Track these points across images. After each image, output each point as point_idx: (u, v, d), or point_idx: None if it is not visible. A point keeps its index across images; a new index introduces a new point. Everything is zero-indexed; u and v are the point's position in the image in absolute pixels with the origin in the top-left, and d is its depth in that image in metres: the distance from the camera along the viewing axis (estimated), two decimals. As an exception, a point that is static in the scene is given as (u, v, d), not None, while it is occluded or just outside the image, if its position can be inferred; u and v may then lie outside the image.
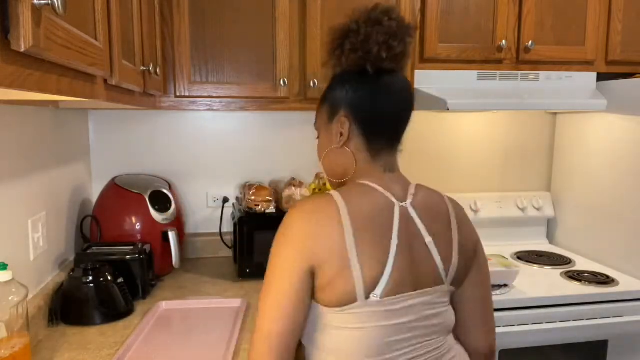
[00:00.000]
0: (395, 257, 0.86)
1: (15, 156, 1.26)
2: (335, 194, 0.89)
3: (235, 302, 1.53)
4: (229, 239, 2.02)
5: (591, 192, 2.01)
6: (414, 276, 0.88)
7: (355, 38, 0.91)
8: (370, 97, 0.94)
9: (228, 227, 2.05)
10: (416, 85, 1.80)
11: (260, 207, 1.76)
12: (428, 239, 0.90)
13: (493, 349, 1.01)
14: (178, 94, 1.65)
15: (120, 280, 1.46)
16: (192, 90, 1.66)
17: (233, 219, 1.89)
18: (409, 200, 0.92)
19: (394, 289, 0.85)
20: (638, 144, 1.77)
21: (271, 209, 1.77)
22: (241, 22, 1.66)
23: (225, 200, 2.04)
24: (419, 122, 2.18)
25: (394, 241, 0.86)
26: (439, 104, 1.69)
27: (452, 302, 0.98)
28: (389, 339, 0.86)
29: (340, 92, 0.96)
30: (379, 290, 0.84)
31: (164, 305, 1.50)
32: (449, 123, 2.21)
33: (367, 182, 0.93)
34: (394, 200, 0.91)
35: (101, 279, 1.41)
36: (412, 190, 0.95)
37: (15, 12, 0.51)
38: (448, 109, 1.66)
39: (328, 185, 1.98)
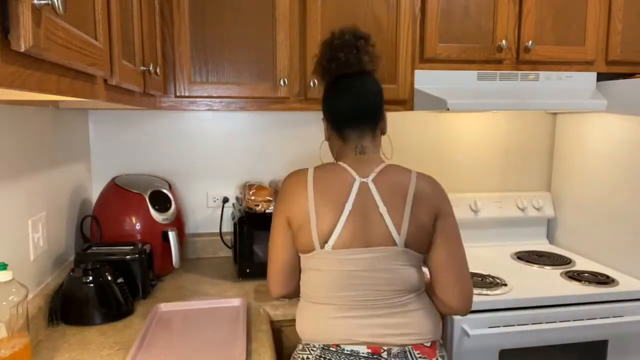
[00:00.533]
0: (347, 218, 1.11)
1: (15, 156, 1.26)
2: (310, 168, 1.19)
3: (235, 302, 1.53)
4: (229, 239, 2.02)
5: (591, 192, 2.01)
6: (365, 236, 1.12)
7: (318, 59, 1.26)
8: (331, 100, 1.24)
9: (228, 227, 2.05)
10: (416, 85, 1.80)
11: (260, 207, 1.76)
12: (382, 208, 1.13)
13: (465, 308, 1.18)
14: (178, 94, 1.66)
15: (120, 280, 1.46)
16: (192, 90, 1.66)
17: (233, 219, 1.89)
18: (370, 177, 1.16)
19: (345, 243, 1.11)
20: (638, 144, 1.77)
21: (271, 209, 1.77)
22: (241, 22, 1.66)
23: (225, 200, 2.04)
24: (419, 122, 2.18)
25: (348, 207, 1.12)
26: (439, 104, 1.69)
27: (427, 265, 1.20)
28: (343, 281, 1.11)
29: (323, 101, 1.27)
30: (330, 242, 1.11)
31: (164, 305, 1.50)
32: (449, 123, 2.21)
33: (340, 162, 1.20)
34: (355, 176, 1.16)
35: (101, 279, 1.41)
36: (377, 169, 1.18)
37: (15, 12, 0.51)
38: (448, 109, 1.66)
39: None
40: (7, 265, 1.02)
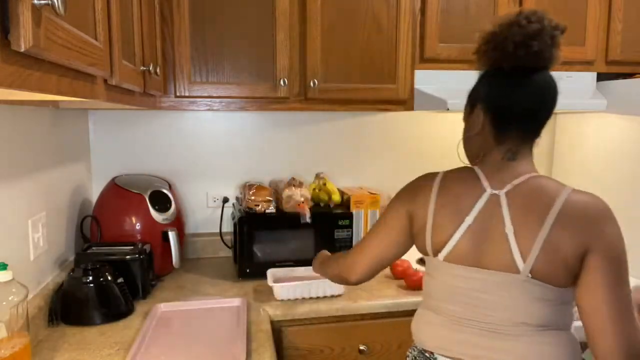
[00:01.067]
0: (465, 232, 1.02)
1: (15, 156, 1.26)
2: (441, 172, 1.11)
3: (235, 302, 1.53)
4: (229, 239, 2.02)
5: (591, 192, 2.01)
6: (481, 254, 1.00)
7: (495, 39, 1.02)
8: (501, 92, 1.04)
9: (228, 227, 2.05)
10: (416, 85, 1.80)
11: (260, 207, 1.76)
12: (508, 227, 0.97)
13: (619, 355, 0.91)
14: (178, 94, 1.65)
15: (120, 280, 1.46)
16: (192, 90, 1.66)
17: (233, 219, 1.89)
18: (505, 189, 1.01)
19: (458, 258, 1.03)
20: (638, 144, 1.77)
21: (271, 209, 1.77)
22: (241, 22, 1.66)
23: (225, 200, 2.04)
24: (419, 122, 2.18)
25: (468, 220, 1.02)
26: (439, 104, 1.69)
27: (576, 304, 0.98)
28: (451, 295, 1.05)
29: (479, 87, 1.09)
30: (442, 253, 1.05)
31: (164, 305, 1.50)
32: (449, 123, 2.21)
33: (475, 168, 1.08)
34: (487, 187, 1.03)
35: (101, 279, 1.41)
36: (518, 180, 1.01)
37: (15, 12, 0.51)
38: (448, 109, 1.66)
39: (328, 184, 1.98)
40: (7, 265, 1.02)
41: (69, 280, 1.41)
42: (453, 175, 1.09)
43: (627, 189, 1.82)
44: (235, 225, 1.78)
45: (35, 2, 0.53)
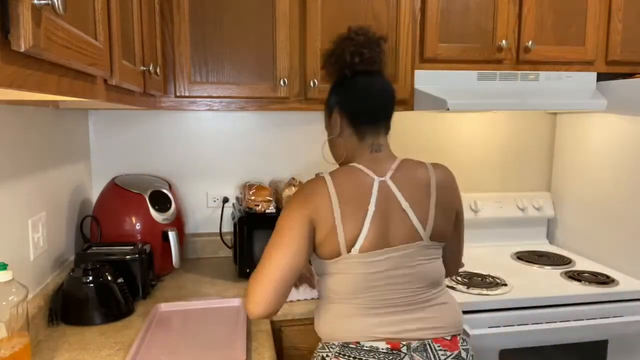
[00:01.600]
0: (371, 221, 1.10)
1: (15, 156, 1.26)
2: (326, 176, 1.14)
3: (235, 302, 1.53)
4: (229, 239, 2.02)
5: (591, 192, 2.01)
6: (390, 235, 1.12)
7: (334, 53, 1.22)
8: (351, 95, 1.21)
9: (228, 227, 2.05)
10: (416, 85, 1.80)
11: (260, 207, 1.76)
12: (404, 204, 1.13)
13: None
14: (178, 94, 1.66)
15: (120, 280, 1.46)
16: (192, 90, 1.66)
17: (233, 219, 1.89)
18: (388, 175, 1.16)
19: (371, 245, 1.10)
20: (638, 144, 1.77)
21: (271, 209, 1.77)
22: (241, 22, 1.66)
23: (225, 200, 2.04)
24: (419, 122, 2.18)
25: (371, 209, 1.11)
26: (439, 104, 1.69)
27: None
28: (367, 283, 1.11)
29: (333, 96, 1.24)
30: (357, 246, 1.10)
31: (164, 305, 1.50)
32: (449, 123, 2.21)
33: (354, 164, 1.18)
34: (374, 176, 1.15)
35: (101, 279, 1.41)
36: (394, 165, 1.18)
37: (15, 12, 0.51)
38: (448, 109, 1.66)
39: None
40: (7, 265, 1.02)
41: (69, 280, 1.41)
42: (340, 175, 1.15)
43: (627, 188, 1.82)
44: (235, 225, 1.78)
45: (35, 2, 0.53)
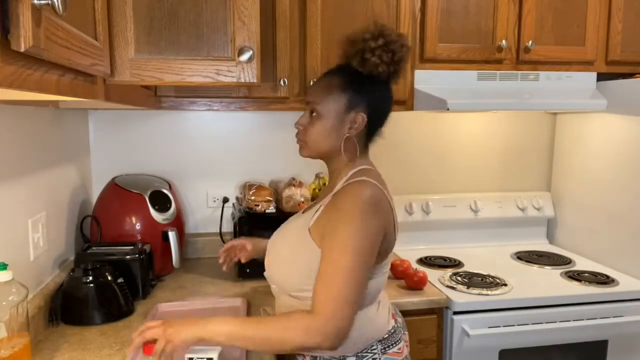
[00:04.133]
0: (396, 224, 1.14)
1: (15, 156, 1.26)
2: (372, 180, 1.07)
3: (235, 302, 1.53)
4: (229, 239, 2.02)
5: (591, 192, 2.01)
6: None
7: (376, 45, 1.09)
8: (386, 102, 1.17)
9: (228, 227, 2.05)
10: (416, 85, 1.80)
11: (260, 207, 1.76)
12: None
13: None
14: (178, 94, 1.65)
15: (120, 280, 1.46)
16: (192, 90, 1.66)
17: (233, 219, 1.89)
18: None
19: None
20: (638, 144, 1.77)
21: (271, 209, 1.77)
22: (241, 22, 1.66)
23: (225, 200, 2.04)
24: (419, 122, 2.18)
25: (394, 214, 1.13)
26: (439, 104, 1.69)
27: None
28: (383, 284, 1.17)
29: (364, 89, 1.13)
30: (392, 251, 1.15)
31: (164, 305, 1.50)
32: (449, 123, 2.21)
33: (371, 167, 1.15)
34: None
35: (101, 279, 1.41)
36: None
37: (15, 12, 0.51)
38: (448, 109, 1.66)
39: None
40: (7, 265, 1.02)
41: (69, 280, 1.41)
42: (378, 179, 1.11)
43: (627, 188, 1.82)
44: (235, 225, 1.78)
45: (35, 2, 0.53)
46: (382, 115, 1.16)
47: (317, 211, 1.11)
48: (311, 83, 1.70)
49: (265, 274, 1.24)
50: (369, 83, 1.14)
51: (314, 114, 1.16)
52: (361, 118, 1.12)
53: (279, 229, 1.28)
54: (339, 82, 1.14)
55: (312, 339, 0.94)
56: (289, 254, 1.15)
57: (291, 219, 1.26)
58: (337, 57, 1.19)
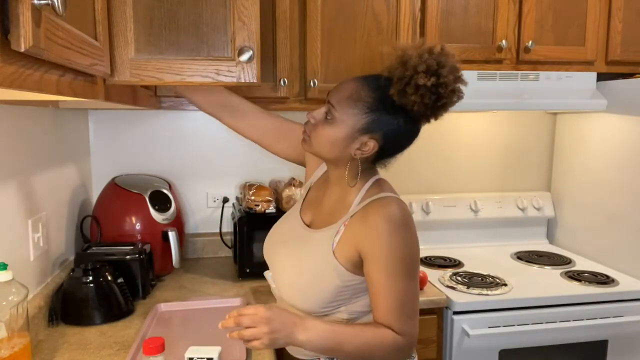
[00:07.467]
0: None
1: (15, 156, 1.26)
2: (394, 197, 1.09)
3: (235, 302, 1.53)
4: (229, 239, 2.02)
5: (591, 192, 2.01)
6: None
7: (424, 82, 0.99)
8: (407, 138, 1.10)
9: (228, 227, 2.05)
10: (416, 85, 1.80)
11: (260, 207, 1.76)
12: None
13: None
14: (178, 94, 1.65)
15: (120, 280, 1.46)
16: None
17: (233, 219, 1.89)
18: None
19: None
20: (638, 144, 1.77)
21: (271, 209, 1.77)
22: (241, 22, 1.66)
23: (225, 200, 2.04)
24: (419, 122, 2.18)
25: None
26: (439, 104, 1.69)
27: None
28: None
29: (390, 118, 1.05)
30: None
31: (164, 305, 1.50)
32: (449, 123, 2.21)
33: (383, 178, 1.16)
34: None
35: (101, 279, 1.41)
36: None
37: (15, 12, 0.51)
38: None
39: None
40: (7, 265, 1.02)
41: (69, 280, 1.41)
42: (391, 187, 1.15)
43: (627, 188, 1.82)
44: (235, 225, 1.79)
45: (35, 2, 0.53)
46: (396, 149, 1.11)
47: (337, 232, 1.08)
48: (311, 83, 1.70)
49: (274, 290, 1.23)
50: (399, 114, 1.05)
51: (329, 117, 1.08)
52: (373, 144, 1.06)
53: (276, 229, 1.27)
54: (367, 99, 1.05)
55: (399, 357, 1.06)
56: (311, 281, 1.09)
57: (291, 219, 1.26)
58: (381, 66, 1.10)
